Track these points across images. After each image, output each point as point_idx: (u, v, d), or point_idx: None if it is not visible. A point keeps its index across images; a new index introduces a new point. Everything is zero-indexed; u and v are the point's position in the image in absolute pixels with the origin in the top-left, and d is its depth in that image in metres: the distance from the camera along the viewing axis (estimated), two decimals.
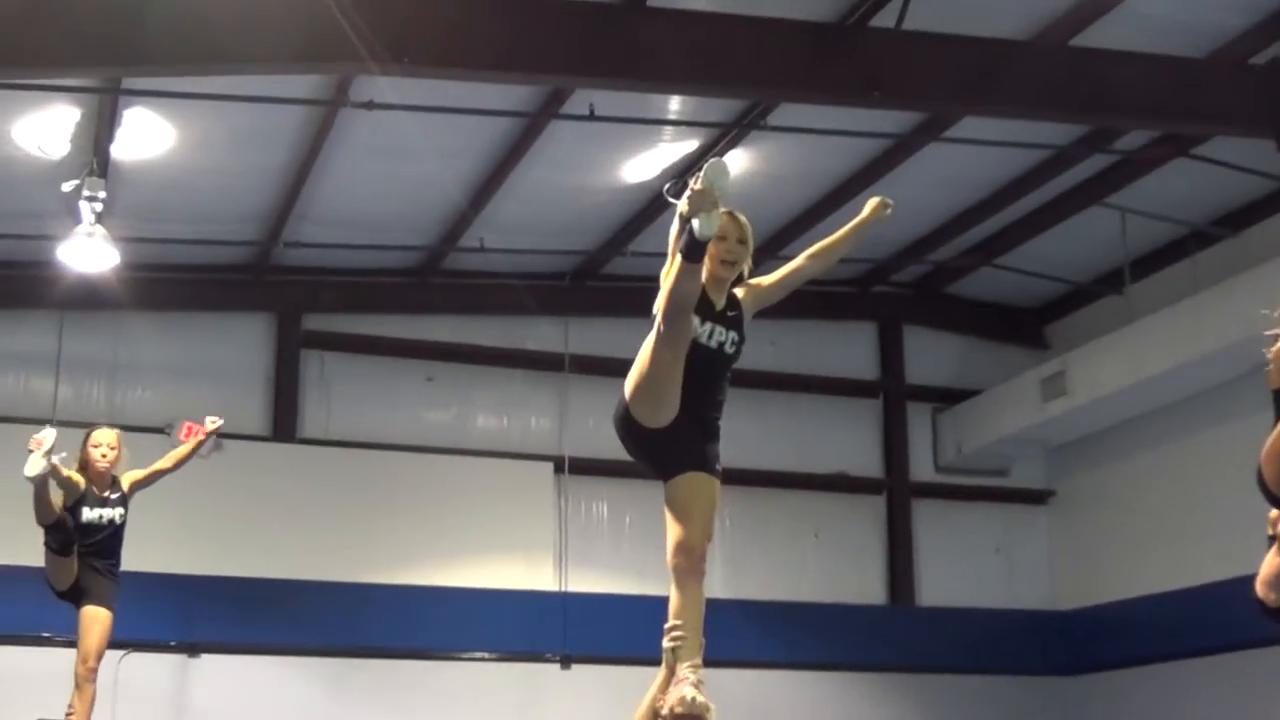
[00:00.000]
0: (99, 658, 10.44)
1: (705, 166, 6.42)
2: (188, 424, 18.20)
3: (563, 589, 19.74)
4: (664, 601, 19.54)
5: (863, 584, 21.31)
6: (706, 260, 6.70)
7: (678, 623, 6.62)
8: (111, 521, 10.77)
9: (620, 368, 21.59)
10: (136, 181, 16.16)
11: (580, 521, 20.18)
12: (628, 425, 6.92)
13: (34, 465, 10.62)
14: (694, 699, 6.33)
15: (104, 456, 10.77)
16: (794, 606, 20.10)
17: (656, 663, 20.31)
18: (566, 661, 19.35)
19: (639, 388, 6.79)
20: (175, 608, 17.61)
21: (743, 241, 7.01)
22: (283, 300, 19.53)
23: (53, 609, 16.87)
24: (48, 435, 10.79)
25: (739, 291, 7.13)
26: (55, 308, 18.06)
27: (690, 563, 6.70)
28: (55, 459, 10.78)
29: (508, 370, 20.33)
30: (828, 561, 21.01)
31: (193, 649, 17.87)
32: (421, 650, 18.97)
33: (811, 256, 7.33)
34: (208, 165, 16.22)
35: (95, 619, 10.42)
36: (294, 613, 18.36)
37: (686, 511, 6.76)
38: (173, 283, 18.73)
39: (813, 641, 20.04)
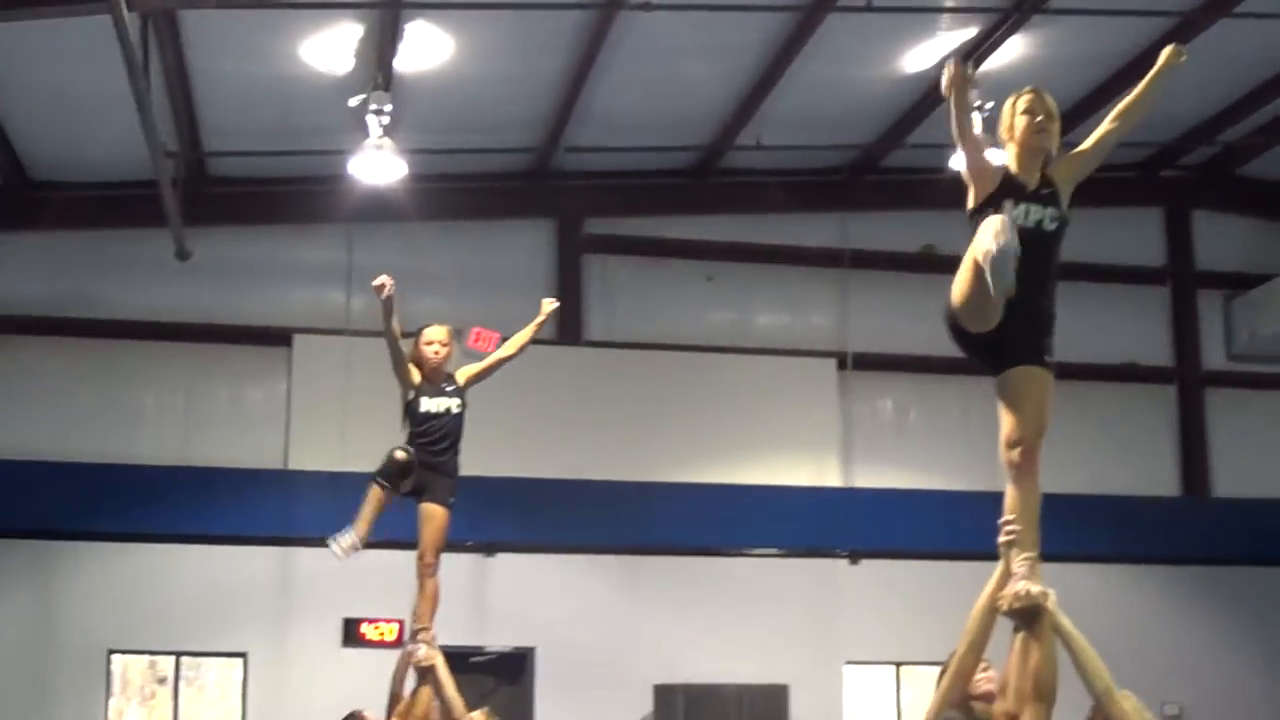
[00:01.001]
0: (434, 553, 10.51)
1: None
2: (476, 330, 18.58)
3: (849, 484, 19.75)
4: (950, 496, 19.51)
5: (1154, 476, 20.94)
6: (1016, 140, 6.70)
7: (1011, 517, 6.50)
8: (448, 410, 10.84)
9: (900, 262, 21.44)
10: (419, 94, 16.44)
11: (865, 417, 20.15)
12: (955, 329, 6.81)
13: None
14: (1029, 591, 6.22)
15: (436, 353, 10.86)
16: (1084, 499, 19.78)
17: (944, 557, 20.25)
18: (855, 557, 19.38)
19: (962, 297, 6.64)
20: (471, 509, 17.88)
21: (1050, 118, 6.85)
22: (563, 205, 19.76)
23: (352, 513, 17.59)
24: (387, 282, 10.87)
25: (1053, 171, 6.94)
26: (345, 221, 18.54)
27: (1022, 458, 6.52)
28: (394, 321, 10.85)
29: (787, 268, 20.32)
30: (1117, 453, 20.65)
31: (489, 548, 18.29)
32: (709, 547, 19.18)
33: (1116, 118, 7.08)
34: (487, 74, 16.45)
35: (429, 516, 10.55)
36: (583, 512, 18.67)
37: (1018, 406, 6.61)
38: (456, 191, 19.06)
39: (1103, 534, 19.72)
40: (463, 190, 19.18)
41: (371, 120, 15.07)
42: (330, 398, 18.06)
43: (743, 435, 19.46)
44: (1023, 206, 6.64)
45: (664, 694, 18.39)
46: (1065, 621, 6.18)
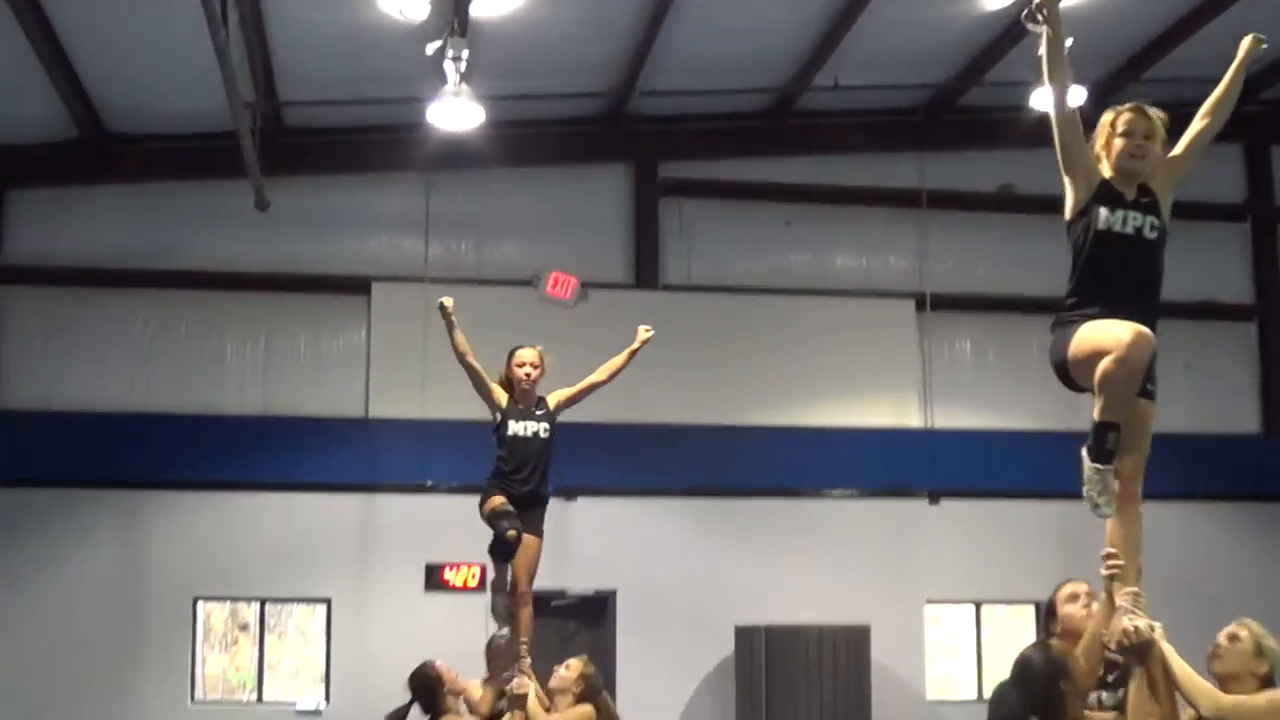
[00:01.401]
0: (528, 581, 10.43)
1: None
2: (554, 274, 18.70)
3: (928, 426, 19.71)
4: (1029, 436, 19.30)
5: (1236, 413, 20.77)
6: (1111, 160, 6.57)
7: (1113, 550, 6.37)
8: (536, 435, 10.69)
9: (978, 202, 21.16)
10: (495, 39, 16.39)
11: (943, 358, 20.06)
12: (1063, 376, 6.68)
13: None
14: (1137, 628, 6.11)
15: (528, 375, 10.67)
16: (1164, 438, 19.59)
17: (1023, 496, 20.08)
18: (934, 497, 19.36)
19: (1082, 368, 6.47)
20: None
21: (1149, 137, 6.63)
22: (639, 149, 19.73)
23: (432, 460, 17.77)
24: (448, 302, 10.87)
25: (1150, 180, 6.75)
26: (422, 169, 18.59)
27: (1123, 488, 6.41)
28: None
29: (865, 209, 20.23)
30: (1197, 391, 20.42)
31: (569, 493, 18.33)
32: (789, 488, 19.21)
33: (1207, 114, 6.87)
34: (562, 18, 16.40)
35: (523, 546, 10.43)
36: (663, 455, 18.75)
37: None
38: (532, 138, 19.06)
39: (1184, 472, 19.51)
40: (539, 136, 19.18)
41: (449, 67, 14.98)
42: (409, 346, 18.14)
43: (822, 377, 19.44)
44: (1120, 212, 6.51)
45: (745, 635, 18.44)
46: (1168, 647, 6.11)
